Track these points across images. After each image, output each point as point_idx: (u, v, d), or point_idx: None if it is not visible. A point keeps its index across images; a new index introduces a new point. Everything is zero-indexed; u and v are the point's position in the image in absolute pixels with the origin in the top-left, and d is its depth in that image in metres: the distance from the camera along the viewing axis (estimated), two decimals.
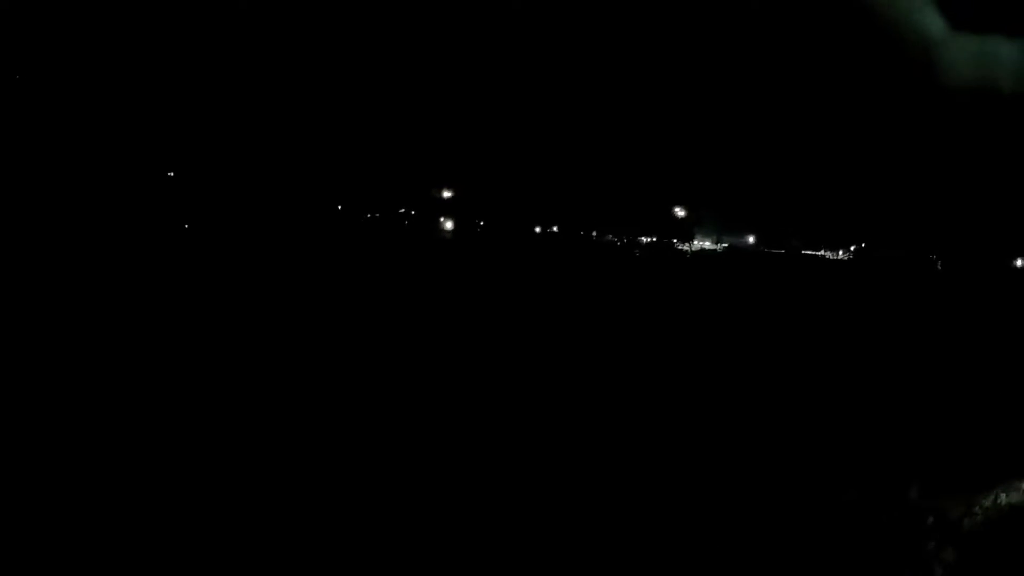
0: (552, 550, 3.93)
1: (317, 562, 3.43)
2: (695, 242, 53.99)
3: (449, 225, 42.66)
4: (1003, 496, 4.70)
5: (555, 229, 38.33)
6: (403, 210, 43.82)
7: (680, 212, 45.45)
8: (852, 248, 51.03)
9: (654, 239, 41.03)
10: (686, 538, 4.22)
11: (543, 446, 5.61)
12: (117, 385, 6.07)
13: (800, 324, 15.98)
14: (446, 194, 45.54)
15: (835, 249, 51.70)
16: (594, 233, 38.56)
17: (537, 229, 37.96)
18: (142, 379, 6.38)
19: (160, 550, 3.43)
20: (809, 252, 50.02)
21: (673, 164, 45.38)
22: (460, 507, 4.29)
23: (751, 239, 53.28)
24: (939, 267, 46.48)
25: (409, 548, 3.71)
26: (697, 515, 4.50)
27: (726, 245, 53.67)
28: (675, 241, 43.10)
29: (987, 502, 4.60)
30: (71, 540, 3.34)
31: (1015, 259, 44.59)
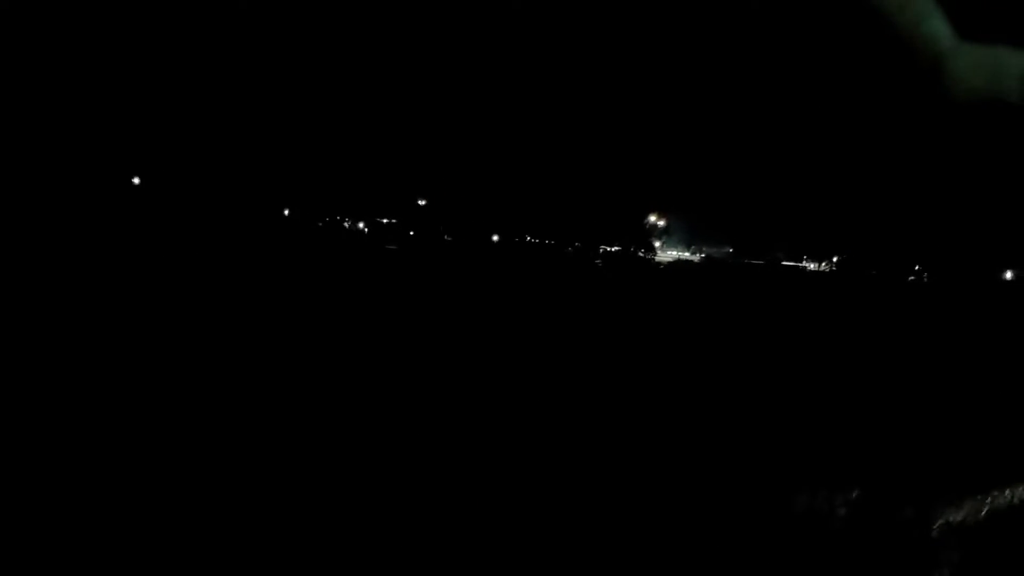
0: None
1: (317, 562, 3.30)
2: (672, 251, 52.09)
3: (411, 232, 40.97)
4: (1003, 496, 4.24)
5: (516, 239, 36.17)
6: (378, 218, 42.24)
7: (653, 220, 43.43)
8: (835, 259, 49.08)
9: (619, 248, 38.81)
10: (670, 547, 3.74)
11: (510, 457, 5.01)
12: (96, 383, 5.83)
13: (787, 332, 14.11)
14: (420, 202, 43.83)
15: (818, 260, 49.78)
16: (552, 241, 36.37)
17: (495, 237, 35.80)
18: (119, 377, 6.10)
19: (160, 550, 3.24)
20: (790, 263, 48.02)
21: (649, 171, 43.48)
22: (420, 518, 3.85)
23: (730, 249, 51.31)
24: (925, 278, 44.63)
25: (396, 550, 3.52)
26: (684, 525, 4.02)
27: (704, 255, 51.71)
28: (646, 250, 40.91)
29: (987, 502, 4.19)
30: (71, 540, 3.26)
31: (1006, 271, 42.83)
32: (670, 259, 46.11)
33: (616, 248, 38.71)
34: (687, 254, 52.54)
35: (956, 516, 4.06)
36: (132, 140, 38.60)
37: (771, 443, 5.62)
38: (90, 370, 6.22)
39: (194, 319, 9.41)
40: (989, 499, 4.19)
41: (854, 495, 4.26)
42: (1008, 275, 43.24)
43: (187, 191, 40.02)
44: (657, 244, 48.96)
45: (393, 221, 41.54)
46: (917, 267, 46.97)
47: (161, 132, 39.42)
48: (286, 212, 41.02)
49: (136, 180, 39.59)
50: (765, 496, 4.44)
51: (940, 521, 4.02)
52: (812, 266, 50.78)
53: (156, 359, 6.70)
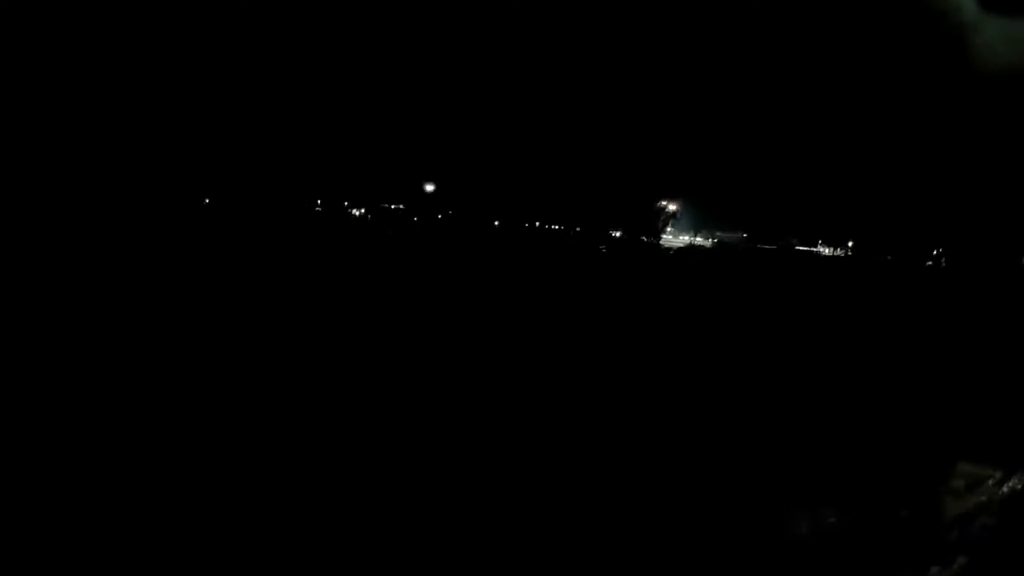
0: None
1: (316, 562, 3.24)
2: (684, 236, 51.08)
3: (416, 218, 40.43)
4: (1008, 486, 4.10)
5: (522, 224, 35.36)
6: (386, 204, 41.72)
7: (663, 205, 42.38)
8: (850, 244, 47.79)
9: (626, 233, 37.87)
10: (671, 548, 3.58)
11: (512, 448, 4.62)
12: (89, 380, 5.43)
13: (802, 319, 14.05)
14: (428, 188, 43.23)
15: (833, 245, 48.49)
16: (558, 226, 35.50)
17: (496, 223, 35.02)
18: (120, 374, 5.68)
19: (159, 550, 3.22)
20: (804, 248, 46.85)
21: (660, 154, 42.52)
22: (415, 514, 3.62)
23: (743, 234, 50.16)
24: (943, 264, 43.34)
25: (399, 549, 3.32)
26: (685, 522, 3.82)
27: (716, 240, 50.65)
28: (653, 235, 39.95)
29: (993, 493, 4.04)
30: (70, 540, 3.23)
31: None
32: (681, 244, 45.18)
33: (621, 234, 37.76)
34: (699, 239, 51.50)
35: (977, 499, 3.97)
36: (127, 123, 38.30)
37: (785, 431, 5.44)
38: (94, 361, 6.14)
39: (193, 309, 9.19)
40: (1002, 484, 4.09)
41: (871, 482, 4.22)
42: None
43: (187, 177, 39.80)
44: (669, 229, 48.09)
45: (400, 207, 41.01)
46: (936, 251, 45.66)
47: (159, 116, 39.10)
48: (291, 198, 40.71)
49: (135, 165, 39.54)
50: (782, 480, 4.31)
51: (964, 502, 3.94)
52: (827, 251, 49.53)
53: (153, 348, 6.61)
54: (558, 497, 4.11)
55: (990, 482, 4.22)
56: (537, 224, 35.88)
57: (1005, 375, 8.51)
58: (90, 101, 37.03)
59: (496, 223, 34.86)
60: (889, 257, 43.62)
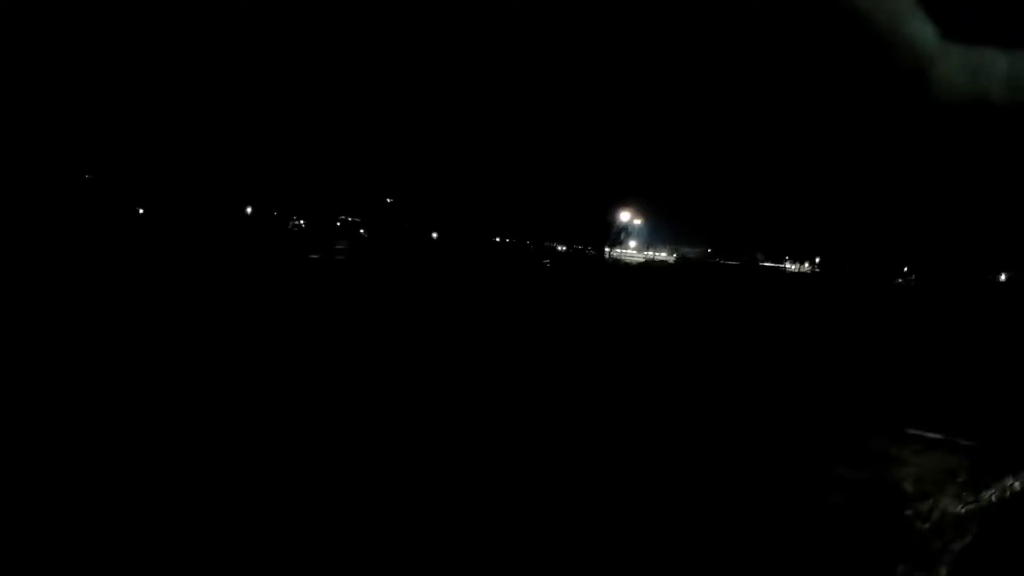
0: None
1: (316, 562, 3.28)
2: (647, 251, 49.50)
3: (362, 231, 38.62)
4: (1005, 488, 4.12)
5: (463, 236, 33.42)
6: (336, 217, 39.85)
7: (622, 218, 40.65)
8: (817, 260, 46.34)
9: (571, 247, 35.94)
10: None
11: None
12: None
13: (766, 338, 13.06)
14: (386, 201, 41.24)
15: (799, 261, 46.95)
16: (508, 239, 33.52)
17: (435, 235, 32.94)
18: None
19: (158, 550, 3.20)
20: (770, 264, 45.32)
21: (621, 166, 40.94)
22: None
23: (707, 249, 48.54)
24: (912, 281, 42.07)
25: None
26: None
27: (679, 255, 48.99)
28: (598, 248, 38.12)
29: (988, 494, 4.03)
30: (70, 540, 3.32)
31: (998, 273, 40.42)
32: (642, 259, 43.59)
33: (569, 247, 35.79)
34: (663, 254, 50.04)
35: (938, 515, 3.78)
36: (57, 127, 36.29)
37: (748, 450, 5.29)
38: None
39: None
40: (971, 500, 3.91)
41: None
42: (1002, 277, 40.84)
43: (120, 185, 37.85)
44: (633, 244, 46.50)
45: (354, 219, 39.08)
46: (905, 268, 44.44)
47: (152, 138, 37.28)
48: (248, 210, 38.92)
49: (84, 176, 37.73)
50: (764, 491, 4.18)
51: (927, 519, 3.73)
52: (793, 267, 48.18)
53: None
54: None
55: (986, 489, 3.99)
56: (483, 237, 33.91)
57: (980, 386, 8.44)
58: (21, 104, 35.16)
59: (435, 235, 32.82)
60: (857, 274, 42.40)
